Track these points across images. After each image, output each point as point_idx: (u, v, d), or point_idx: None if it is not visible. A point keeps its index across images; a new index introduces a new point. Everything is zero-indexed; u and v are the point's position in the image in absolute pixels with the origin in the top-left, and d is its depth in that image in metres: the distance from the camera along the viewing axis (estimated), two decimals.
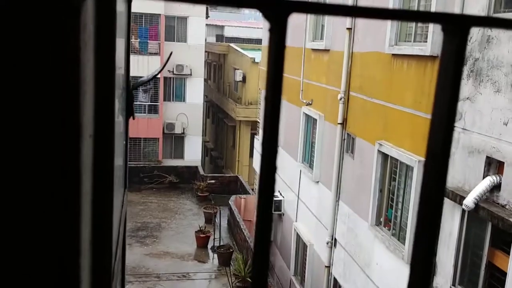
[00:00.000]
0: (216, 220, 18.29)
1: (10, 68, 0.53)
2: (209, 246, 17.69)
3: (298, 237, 13.25)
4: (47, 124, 0.55)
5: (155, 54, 24.99)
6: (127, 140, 2.06)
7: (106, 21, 0.80)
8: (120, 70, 1.49)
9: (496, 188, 5.98)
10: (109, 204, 1.00)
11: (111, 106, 0.93)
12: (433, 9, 7.34)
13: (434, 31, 7.28)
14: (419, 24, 8.05)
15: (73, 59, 0.54)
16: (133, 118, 1.97)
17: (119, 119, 1.53)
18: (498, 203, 5.95)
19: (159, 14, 25.08)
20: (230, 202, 19.40)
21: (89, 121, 0.64)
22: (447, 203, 6.78)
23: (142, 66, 23.60)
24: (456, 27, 0.36)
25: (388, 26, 8.58)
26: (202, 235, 17.60)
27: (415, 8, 8.11)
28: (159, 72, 2.99)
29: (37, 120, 0.55)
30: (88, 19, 0.58)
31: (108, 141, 0.90)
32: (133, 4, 2.38)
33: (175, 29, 26.14)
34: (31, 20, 0.52)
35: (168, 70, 25.15)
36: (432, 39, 7.31)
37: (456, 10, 6.75)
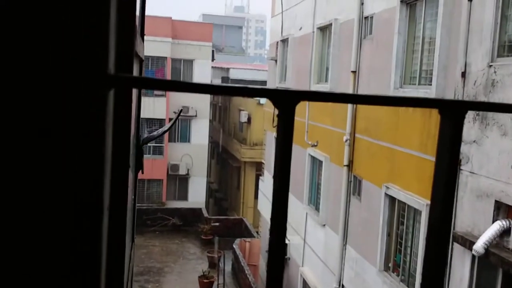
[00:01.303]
0: (220, 264, 17.96)
1: (47, 148, 0.55)
2: None
3: (305, 283, 12.96)
4: (72, 199, 0.57)
5: (161, 96, 25.34)
6: (135, 195, 2.05)
7: (123, 108, 0.84)
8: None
9: (506, 232, 5.86)
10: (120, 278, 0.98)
11: (125, 181, 0.93)
12: (436, 55, 7.42)
13: (439, 75, 7.35)
14: (424, 67, 8.14)
15: (99, 142, 0.57)
16: (142, 173, 1.97)
17: (130, 176, 1.53)
18: (508, 249, 5.82)
19: (165, 57, 25.58)
20: (234, 246, 19.07)
21: (107, 194, 0.67)
22: (457, 248, 6.65)
23: (148, 108, 23.88)
24: (452, 112, 0.35)
25: (393, 69, 8.69)
26: (205, 281, 17.22)
27: (419, 54, 8.22)
28: (170, 128, 3.04)
29: (63, 196, 0.56)
30: (110, 106, 0.61)
31: (121, 213, 0.90)
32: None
33: (181, 71, 26.61)
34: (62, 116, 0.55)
35: (174, 112, 25.43)
36: (437, 82, 7.37)
37: (460, 55, 6.84)
